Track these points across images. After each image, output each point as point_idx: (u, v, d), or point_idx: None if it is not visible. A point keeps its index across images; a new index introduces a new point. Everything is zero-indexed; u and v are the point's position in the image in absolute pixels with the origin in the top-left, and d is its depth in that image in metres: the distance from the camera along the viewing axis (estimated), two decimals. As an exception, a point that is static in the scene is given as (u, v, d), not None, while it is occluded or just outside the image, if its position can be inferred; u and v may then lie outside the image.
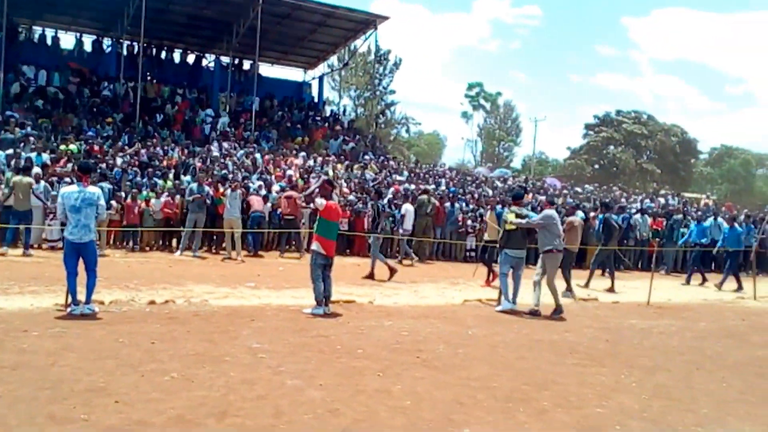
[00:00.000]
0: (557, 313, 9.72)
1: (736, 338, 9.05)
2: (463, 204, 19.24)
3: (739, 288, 14.69)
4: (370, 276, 12.66)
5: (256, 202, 15.67)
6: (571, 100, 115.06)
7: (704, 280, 15.92)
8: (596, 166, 60.02)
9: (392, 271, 12.63)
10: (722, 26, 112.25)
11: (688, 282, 16.00)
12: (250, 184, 17.21)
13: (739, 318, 10.91)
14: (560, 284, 10.80)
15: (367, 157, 26.94)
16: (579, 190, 29.35)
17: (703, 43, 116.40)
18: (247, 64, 31.91)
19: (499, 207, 13.30)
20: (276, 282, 11.38)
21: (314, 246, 8.82)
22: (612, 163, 59.44)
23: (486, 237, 13.21)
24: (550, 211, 10.19)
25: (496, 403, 5.28)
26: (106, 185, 14.14)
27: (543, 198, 18.64)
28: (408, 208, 16.83)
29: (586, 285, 13.53)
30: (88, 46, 29.48)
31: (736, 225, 15.88)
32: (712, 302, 12.88)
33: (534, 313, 9.61)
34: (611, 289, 13.30)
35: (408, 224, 16.66)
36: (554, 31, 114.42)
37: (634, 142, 59.72)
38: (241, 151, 22.75)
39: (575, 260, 13.53)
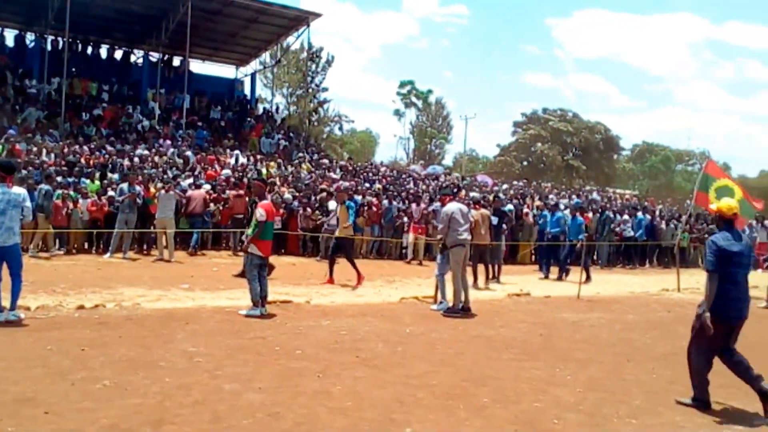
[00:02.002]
0: (457, 311, 9.50)
1: (663, 329, 9.40)
2: (399, 202, 19.35)
3: (589, 279, 14.52)
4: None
5: (195, 200, 15.46)
6: (499, 98, 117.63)
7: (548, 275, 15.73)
8: (525, 163, 61.46)
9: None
10: (641, 27, 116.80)
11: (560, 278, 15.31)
12: (182, 183, 16.84)
13: (665, 310, 11.34)
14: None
15: (301, 155, 26.75)
16: (506, 186, 29.90)
17: (623, 43, 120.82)
18: (177, 61, 31.17)
19: (348, 201, 12.79)
20: (210, 283, 11.16)
21: (251, 248, 8.69)
22: (539, 159, 60.97)
23: (337, 233, 12.45)
24: (451, 206, 9.90)
25: (436, 400, 5.32)
26: (46, 186, 13.61)
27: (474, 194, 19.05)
28: (333, 207, 16.78)
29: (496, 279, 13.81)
30: (10, 41, 28.32)
31: (578, 216, 16.24)
32: (639, 295, 13.35)
33: (452, 311, 9.51)
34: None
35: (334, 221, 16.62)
36: (482, 31, 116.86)
37: (560, 139, 61.47)
38: (172, 150, 22.22)
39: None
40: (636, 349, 7.91)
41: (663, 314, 10.89)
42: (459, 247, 9.68)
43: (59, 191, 14.30)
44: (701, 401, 5.64)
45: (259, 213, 8.67)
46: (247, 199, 14.10)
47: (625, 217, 20.59)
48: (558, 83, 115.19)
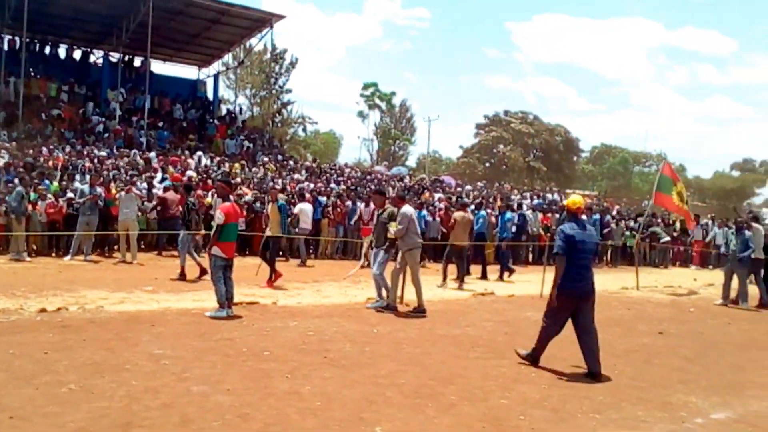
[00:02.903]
0: (418, 311, 9.50)
1: (623, 327, 9.62)
2: (363, 203, 19.36)
3: (484, 276, 14.92)
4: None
5: (169, 203, 15.31)
6: (461, 100, 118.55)
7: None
8: (487, 165, 62.09)
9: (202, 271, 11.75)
10: (598, 31, 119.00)
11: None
12: (138, 183, 16.59)
13: (625, 308, 11.59)
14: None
15: (266, 158, 26.60)
16: (469, 187, 30.17)
17: (581, 47, 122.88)
18: (138, 61, 30.74)
19: (280, 200, 12.66)
20: (175, 285, 11.05)
21: (214, 250, 8.63)
22: (502, 161, 61.71)
23: (268, 232, 12.24)
24: (408, 208, 9.96)
25: (405, 399, 5.38)
26: (19, 188, 13.33)
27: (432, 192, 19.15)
28: (303, 207, 16.75)
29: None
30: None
31: (507, 212, 16.51)
32: (599, 293, 13.46)
33: (390, 308, 9.57)
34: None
35: (304, 224, 16.59)
36: (443, 34, 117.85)
37: (522, 141, 62.35)
38: (134, 151, 21.91)
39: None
40: (598, 346, 8.07)
41: (623, 312, 11.13)
42: (416, 250, 9.78)
43: (34, 194, 14.10)
44: (534, 357, 6.86)
45: (218, 215, 8.64)
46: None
47: (582, 216, 20.93)
48: (518, 86, 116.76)
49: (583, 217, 7.26)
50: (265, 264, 11.96)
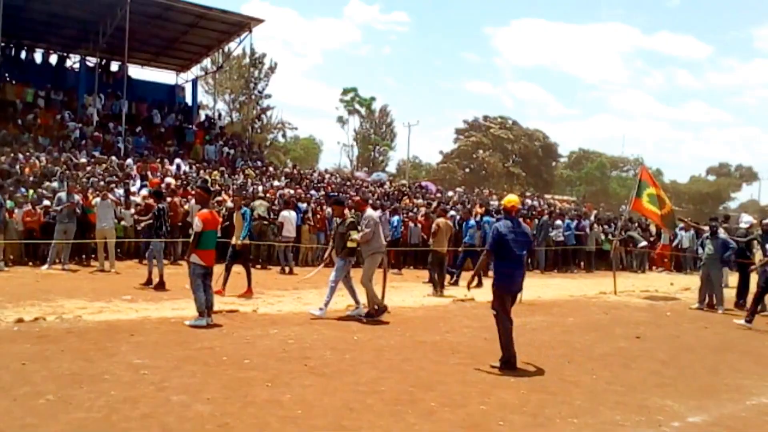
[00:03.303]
0: (372, 315, 9.54)
1: (601, 331, 9.74)
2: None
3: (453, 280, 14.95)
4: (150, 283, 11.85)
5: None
6: (441, 105, 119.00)
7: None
8: (467, 170, 62.33)
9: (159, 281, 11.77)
10: (575, 36, 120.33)
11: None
12: (117, 190, 16.47)
13: (602, 312, 11.72)
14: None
15: (245, 165, 26.50)
16: (451, 193, 30.28)
17: (558, 52, 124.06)
18: (115, 66, 30.42)
19: (244, 207, 12.38)
20: (154, 294, 10.99)
21: (192, 258, 8.59)
22: (481, 166, 61.99)
23: (234, 240, 11.74)
24: (372, 212, 10.02)
25: (385, 406, 5.40)
26: None
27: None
28: (286, 215, 16.73)
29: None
30: (-62, 45, 27.05)
31: (470, 219, 16.78)
32: (578, 298, 13.73)
33: (371, 315, 9.56)
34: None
35: (288, 232, 16.57)
36: (422, 38, 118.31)
37: (501, 146, 62.72)
38: (112, 157, 21.71)
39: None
40: (576, 351, 8.18)
41: (601, 316, 11.26)
42: (378, 255, 9.80)
43: (10, 201, 13.92)
44: (508, 362, 6.96)
45: (196, 222, 8.61)
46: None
47: (557, 222, 21.05)
48: (497, 91, 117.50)
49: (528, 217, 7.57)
50: (226, 273, 11.52)
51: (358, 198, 11.78)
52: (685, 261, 22.22)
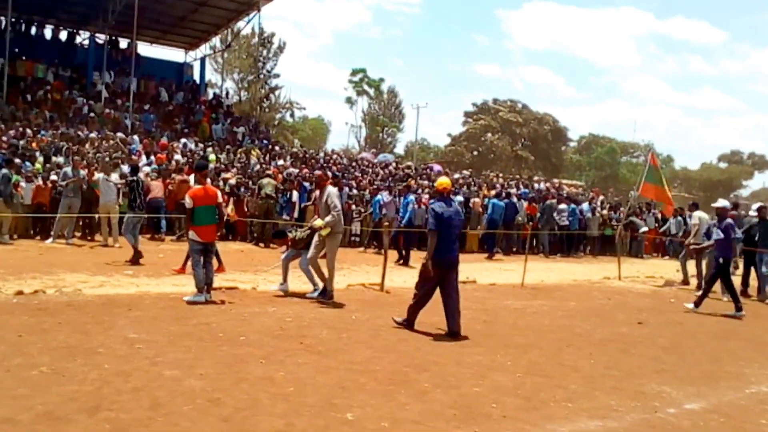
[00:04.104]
0: (325, 295, 9.07)
1: (603, 316, 9.68)
2: (347, 189, 19.30)
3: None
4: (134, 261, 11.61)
5: (155, 187, 15.22)
6: (450, 88, 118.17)
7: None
8: (475, 153, 62.00)
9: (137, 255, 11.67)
10: (588, 20, 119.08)
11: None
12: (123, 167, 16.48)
13: (605, 297, 11.65)
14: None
15: (254, 143, 26.44)
16: (457, 175, 30.10)
17: (570, 36, 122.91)
18: (124, 43, 30.36)
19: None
20: (155, 269, 10.99)
21: (190, 234, 8.58)
22: (489, 149, 61.65)
23: None
24: (334, 189, 9.38)
25: (378, 385, 5.38)
26: (4, 170, 13.19)
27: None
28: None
29: None
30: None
31: (409, 195, 16.89)
32: (581, 282, 13.67)
33: (324, 295, 9.07)
34: None
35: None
36: (433, 20, 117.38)
37: (510, 129, 62.30)
38: (119, 134, 21.70)
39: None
40: (576, 335, 8.13)
41: (603, 301, 11.19)
42: (339, 234, 9.29)
43: (16, 176, 13.94)
44: (409, 322, 7.70)
45: (186, 200, 8.59)
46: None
47: (562, 206, 20.90)
48: (507, 74, 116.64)
49: (460, 197, 7.69)
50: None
51: (319, 173, 11.03)
52: (671, 246, 22.08)
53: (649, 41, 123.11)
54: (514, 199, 20.25)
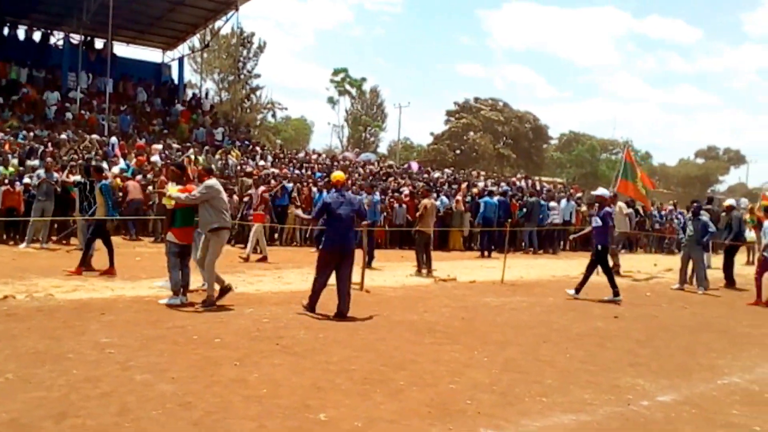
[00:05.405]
0: (208, 304, 8.18)
1: (580, 311, 9.73)
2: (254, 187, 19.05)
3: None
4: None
5: (133, 189, 15.08)
6: (432, 87, 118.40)
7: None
8: (457, 152, 62.10)
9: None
10: (568, 20, 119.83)
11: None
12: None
13: (583, 292, 11.65)
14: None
15: (234, 144, 26.28)
16: (438, 174, 30.14)
17: (550, 35, 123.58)
18: (100, 43, 30.05)
19: (104, 181, 11.07)
20: (132, 272, 10.85)
21: (168, 236, 8.47)
22: (472, 148, 61.77)
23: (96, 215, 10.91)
24: (212, 181, 8.55)
25: (354, 385, 5.34)
26: None
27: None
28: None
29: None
30: None
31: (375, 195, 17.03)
32: (560, 278, 13.71)
33: (210, 303, 8.19)
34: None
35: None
36: (415, 20, 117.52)
37: (492, 128, 62.48)
38: (95, 136, 21.46)
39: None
40: (553, 331, 8.16)
41: (580, 296, 11.22)
42: (226, 231, 8.68)
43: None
44: (311, 307, 8.18)
45: (182, 196, 8.45)
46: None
47: (553, 203, 21.00)
48: (489, 73, 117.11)
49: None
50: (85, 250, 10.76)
51: (200, 168, 10.65)
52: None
53: (628, 40, 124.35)
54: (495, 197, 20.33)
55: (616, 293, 10.78)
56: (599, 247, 10.89)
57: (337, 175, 8.76)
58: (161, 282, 9.26)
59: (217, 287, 8.31)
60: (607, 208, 11.17)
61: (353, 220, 8.39)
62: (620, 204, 15.28)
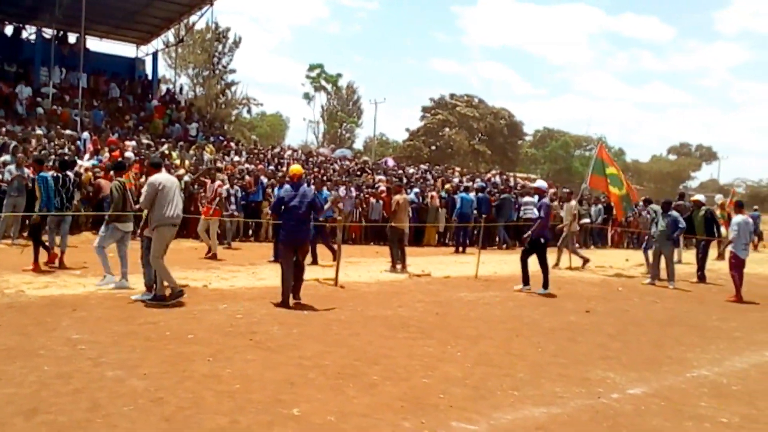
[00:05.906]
0: (164, 298, 8.01)
1: (551, 306, 9.83)
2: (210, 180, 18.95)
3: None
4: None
5: (105, 185, 14.89)
6: (408, 84, 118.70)
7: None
8: (433, 147, 62.33)
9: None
10: (542, 17, 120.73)
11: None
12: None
13: (556, 287, 11.78)
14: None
15: (208, 140, 26.08)
16: (412, 170, 30.19)
17: (525, 33, 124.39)
18: (73, 38, 29.57)
19: (42, 173, 10.69)
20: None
21: (145, 232, 8.38)
22: (447, 144, 62.05)
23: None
24: (153, 178, 8.27)
25: (327, 380, 5.36)
26: None
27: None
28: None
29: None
30: None
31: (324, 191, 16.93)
32: (533, 273, 13.79)
33: (161, 298, 8.01)
34: None
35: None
36: (391, 16, 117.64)
37: (467, 124, 62.84)
38: (68, 131, 21.16)
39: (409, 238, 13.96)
40: (525, 325, 8.25)
41: (553, 291, 11.34)
42: (169, 227, 8.24)
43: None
44: (284, 300, 8.42)
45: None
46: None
47: (527, 198, 21.12)
48: (464, 70, 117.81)
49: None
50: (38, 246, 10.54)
51: (146, 162, 10.56)
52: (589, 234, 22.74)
53: (601, 38, 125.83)
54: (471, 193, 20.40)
55: (526, 282, 11.12)
56: (541, 240, 11.00)
57: (294, 168, 9.06)
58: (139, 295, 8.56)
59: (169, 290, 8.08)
60: (545, 200, 11.38)
61: (308, 213, 8.63)
62: (573, 202, 15.45)
